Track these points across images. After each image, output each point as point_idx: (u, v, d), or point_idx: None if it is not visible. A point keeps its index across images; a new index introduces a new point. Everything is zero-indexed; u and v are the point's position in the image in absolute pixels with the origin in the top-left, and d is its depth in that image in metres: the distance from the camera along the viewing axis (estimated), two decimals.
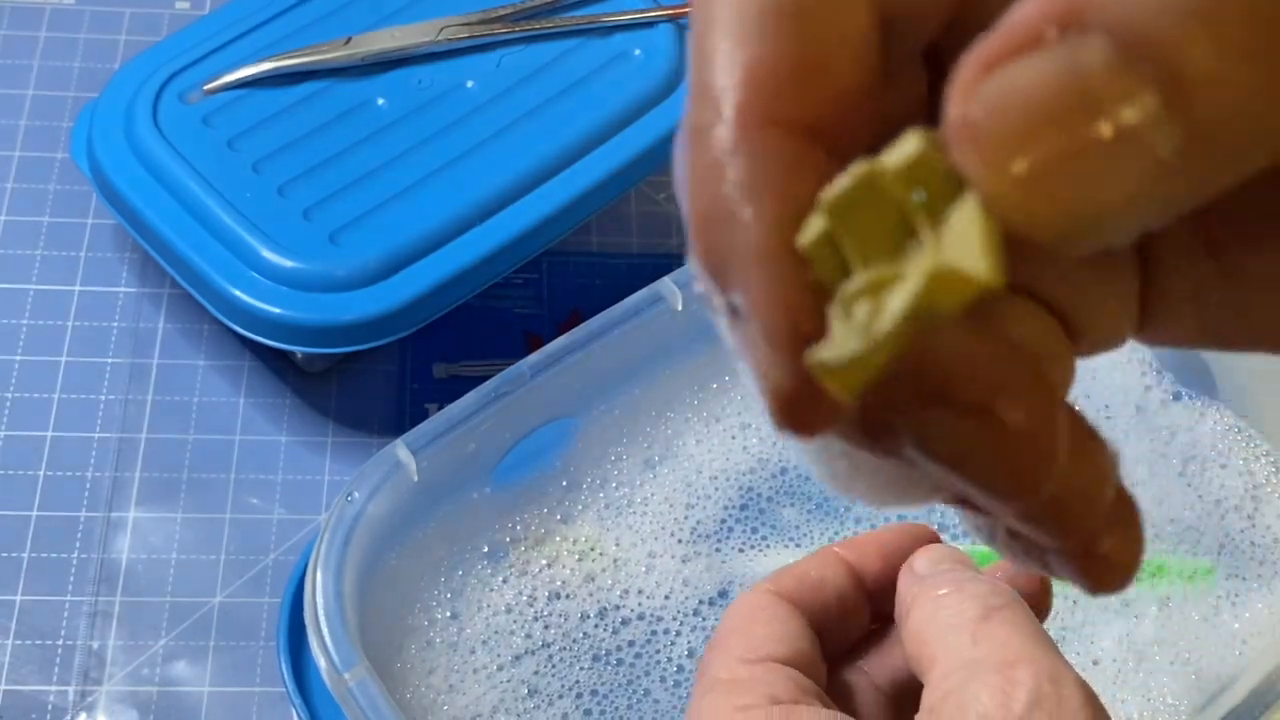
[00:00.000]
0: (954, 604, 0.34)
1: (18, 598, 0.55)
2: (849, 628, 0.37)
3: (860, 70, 0.18)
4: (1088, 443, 0.19)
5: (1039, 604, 0.38)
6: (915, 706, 0.35)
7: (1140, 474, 0.55)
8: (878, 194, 0.17)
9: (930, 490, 0.21)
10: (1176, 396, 0.57)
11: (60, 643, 0.54)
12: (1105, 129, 0.14)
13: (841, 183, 0.17)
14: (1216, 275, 0.20)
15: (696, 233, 0.18)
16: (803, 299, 0.17)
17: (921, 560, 0.37)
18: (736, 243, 0.17)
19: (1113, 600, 0.52)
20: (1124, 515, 0.20)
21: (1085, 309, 0.20)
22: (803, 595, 0.37)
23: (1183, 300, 0.20)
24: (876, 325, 0.16)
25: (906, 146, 0.16)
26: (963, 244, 0.16)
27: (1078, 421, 0.19)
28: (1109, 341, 0.21)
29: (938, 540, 0.39)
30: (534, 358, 0.53)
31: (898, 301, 0.16)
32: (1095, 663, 0.50)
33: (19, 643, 0.54)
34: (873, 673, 0.37)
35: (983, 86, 0.15)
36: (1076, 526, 0.19)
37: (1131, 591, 0.53)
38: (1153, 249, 0.20)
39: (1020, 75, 0.15)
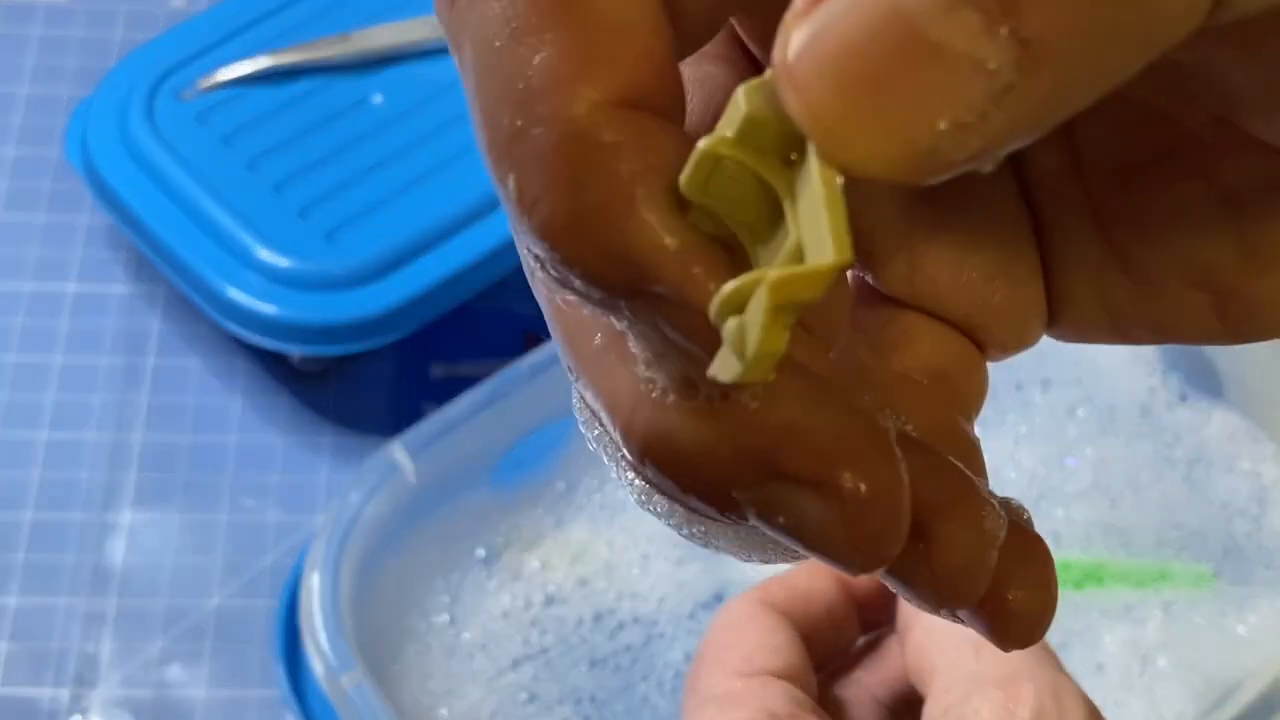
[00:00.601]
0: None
1: (10, 601, 0.55)
2: (839, 639, 0.37)
3: (659, 36, 0.16)
4: (962, 502, 0.18)
5: None
6: (913, 706, 0.35)
7: (1145, 478, 0.55)
8: (726, 165, 0.16)
9: (790, 552, 0.20)
10: (1183, 398, 0.57)
11: (54, 646, 0.54)
12: (925, 47, 0.13)
13: (689, 164, 0.16)
14: (1118, 272, 0.19)
15: (571, 237, 0.16)
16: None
17: None
18: (630, 238, 0.16)
19: (1116, 605, 0.52)
20: (1030, 561, 0.19)
21: (988, 319, 0.19)
22: (793, 606, 0.36)
23: (1088, 298, 0.19)
24: (747, 345, 0.16)
25: (736, 108, 0.15)
26: (810, 220, 0.15)
27: (953, 481, 0.18)
28: (1020, 345, 0.20)
29: None
30: (532, 358, 0.52)
31: (755, 320, 0.15)
32: (1099, 668, 0.50)
33: (13, 646, 0.54)
34: (868, 685, 0.37)
35: (801, 24, 0.14)
36: (954, 593, 0.18)
37: (1135, 597, 0.52)
38: (1052, 246, 0.19)
39: (837, 6, 0.14)
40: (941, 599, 0.18)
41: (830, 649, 0.37)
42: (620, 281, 0.16)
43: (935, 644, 0.34)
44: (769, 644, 0.35)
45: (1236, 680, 0.50)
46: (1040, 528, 0.55)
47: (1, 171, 0.66)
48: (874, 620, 0.37)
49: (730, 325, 0.16)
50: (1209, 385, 0.57)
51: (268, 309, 0.56)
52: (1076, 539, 0.53)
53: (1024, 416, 0.56)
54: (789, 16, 0.14)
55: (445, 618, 0.51)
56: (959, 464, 0.18)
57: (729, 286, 0.16)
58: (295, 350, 0.58)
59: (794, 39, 0.14)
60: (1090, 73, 0.14)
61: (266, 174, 0.59)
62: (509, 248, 0.58)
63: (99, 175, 0.59)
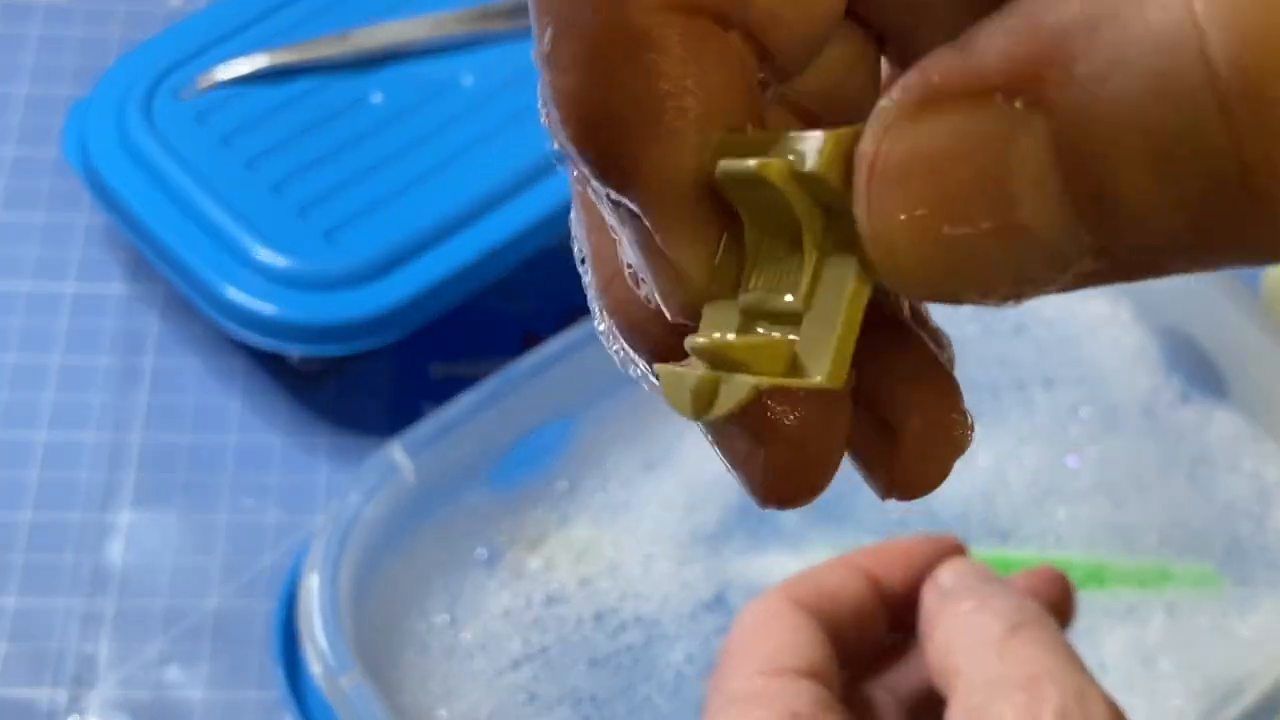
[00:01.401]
0: (979, 619, 0.34)
1: (8, 601, 0.55)
2: (866, 639, 0.37)
3: None
4: (937, 410, 0.17)
5: (1061, 612, 0.38)
6: (935, 708, 0.35)
7: (1148, 478, 0.55)
8: (771, 187, 0.15)
9: None
10: (1186, 398, 0.57)
11: (52, 647, 0.54)
12: (1012, 224, 0.14)
13: (738, 164, 0.15)
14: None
15: (587, 124, 0.15)
16: (710, 244, 0.16)
17: (946, 574, 0.37)
18: (649, 153, 0.15)
19: (1118, 606, 0.52)
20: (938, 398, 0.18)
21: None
22: (819, 604, 0.36)
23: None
24: (711, 405, 0.16)
25: (810, 153, 0.15)
26: (819, 324, 0.15)
27: (933, 383, 0.18)
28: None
29: (963, 553, 0.39)
30: (532, 358, 0.52)
31: (725, 399, 0.16)
32: (1101, 668, 0.50)
33: (11, 646, 0.54)
34: (893, 686, 0.37)
35: (900, 135, 0.14)
36: (906, 494, 0.18)
37: (1137, 597, 0.52)
38: None
39: (947, 129, 0.14)
40: (890, 495, 0.18)
41: (856, 648, 0.37)
42: (613, 186, 0.16)
43: (958, 645, 0.34)
44: (794, 642, 0.35)
45: (1239, 681, 0.50)
46: (1042, 528, 0.55)
47: None
48: (902, 621, 0.37)
49: (695, 378, 0.16)
50: (1212, 385, 0.56)
51: (267, 309, 0.55)
52: (1079, 539, 0.53)
53: (1026, 416, 0.56)
54: (887, 115, 0.14)
55: (445, 618, 0.51)
56: (945, 369, 0.18)
57: (720, 343, 0.16)
58: (294, 350, 0.57)
59: (887, 147, 0.14)
60: (1150, 274, 0.14)
61: (265, 173, 0.58)
62: (509, 248, 0.58)
63: (97, 175, 0.59)
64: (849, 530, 0.53)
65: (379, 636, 0.49)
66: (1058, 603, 0.38)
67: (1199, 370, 0.57)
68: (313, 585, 0.47)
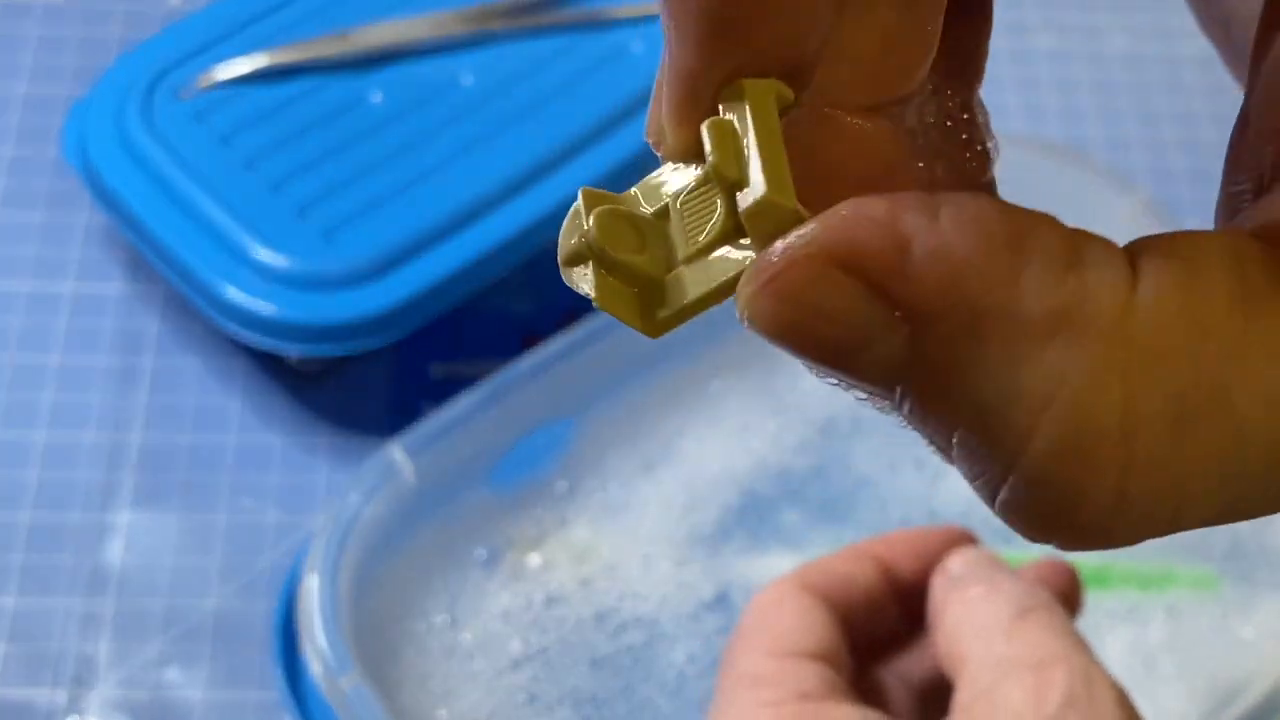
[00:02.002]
0: (988, 604, 0.34)
1: (8, 602, 0.55)
2: (878, 625, 0.37)
3: None
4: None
5: (1069, 601, 0.38)
6: (943, 708, 0.35)
7: None
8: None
9: None
10: None
11: (51, 647, 0.54)
12: (822, 320, 0.17)
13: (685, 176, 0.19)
14: None
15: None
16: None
17: (956, 561, 0.37)
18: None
19: (1119, 607, 0.52)
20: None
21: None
22: (831, 590, 0.36)
23: None
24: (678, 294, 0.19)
25: (746, 198, 0.18)
26: (695, 277, 0.19)
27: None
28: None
29: (973, 542, 0.39)
30: (531, 358, 0.52)
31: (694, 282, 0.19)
32: None
33: (10, 647, 0.54)
34: (902, 673, 0.37)
35: (771, 287, 0.17)
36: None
37: (1138, 599, 0.52)
38: None
39: (830, 291, 0.17)
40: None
41: (867, 635, 0.37)
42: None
43: (967, 630, 0.34)
44: (804, 626, 0.35)
45: (1240, 682, 0.50)
46: None
47: None
48: (912, 609, 0.37)
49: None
50: None
51: (266, 309, 0.55)
52: None
53: None
54: (756, 271, 0.17)
55: (444, 618, 0.50)
56: None
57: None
58: (294, 350, 0.57)
59: (786, 263, 0.17)
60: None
61: (265, 173, 0.58)
62: (509, 247, 0.58)
63: (96, 174, 0.59)
64: (849, 530, 0.53)
65: (379, 637, 0.49)
66: (1066, 593, 0.38)
67: None
68: (312, 585, 0.47)
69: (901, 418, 0.17)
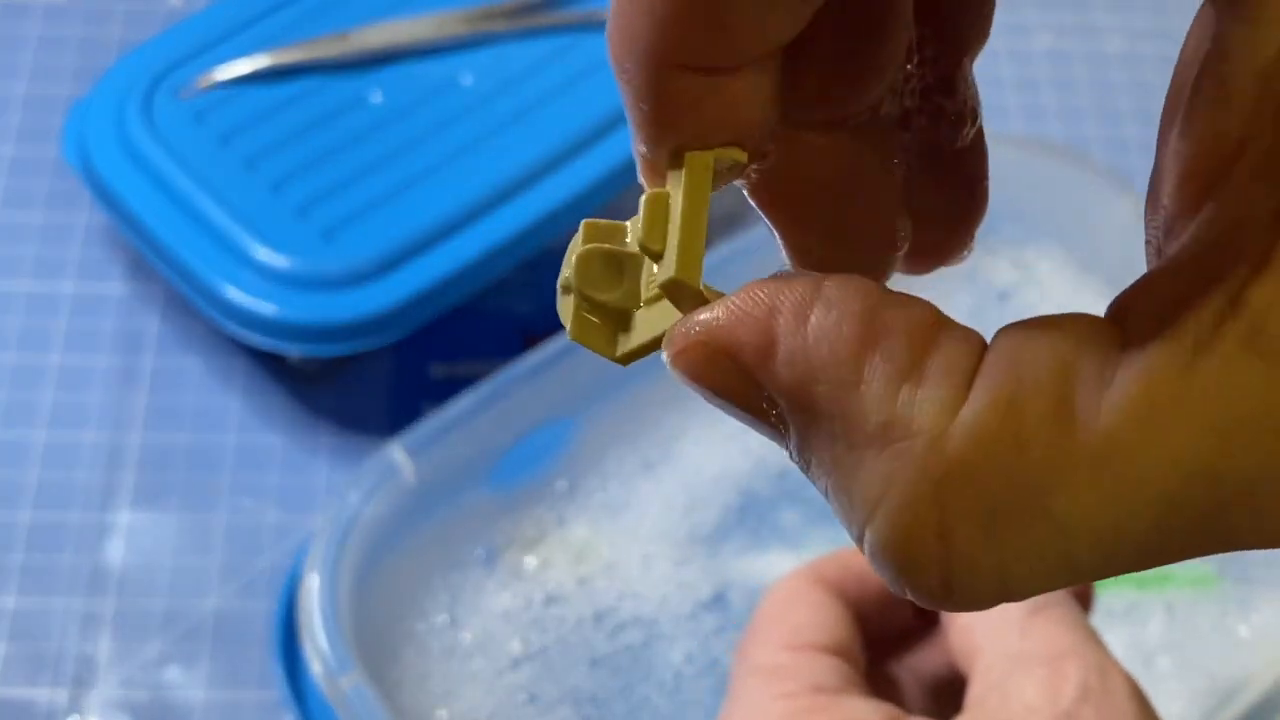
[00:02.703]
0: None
1: (8, 602, 0.55)
2: (891, 620, 0.37)
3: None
4: None
5: (1082, 596, 0.38)
6: (956, 702, 0.35)
7: None
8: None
9: None
10: None
11: (51, 647, 0.54)
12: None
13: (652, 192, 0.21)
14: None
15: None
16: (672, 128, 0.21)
17: None
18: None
19: (1118, 606, 0.52)
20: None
21: None
22: (846, 584, 0.37)
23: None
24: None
25: (661, 272, 0.21)
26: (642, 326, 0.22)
27: None
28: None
29: None
30: (531, 358, 0.52)
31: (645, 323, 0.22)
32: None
33: (10, 647, 0.54)
34: (915, 668, 0.37)
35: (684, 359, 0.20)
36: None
37: (1137, 597, 0.52)
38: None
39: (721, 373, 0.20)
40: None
41: (881, 629, 0.37)
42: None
43: (980, 624, 0.34)
44: (818, 620, 0.35)
45: (1239, 681, 0.50)
46: None
47: None
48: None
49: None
50: None
51: (266, 309, 0.55)
52: None
53: None
54: (677, 338, 0.20)
55: (444, 618, 0.50)
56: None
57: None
58: (294, 350, 0.57)
59: (676, 353, 0.20)
60: None
61: (265, 173, 0.58)
62: (509, 248, 0.58)
63: (97, 174, 0.59)
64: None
65: (379, 636, 0.49)
66: (1078, 589, 0.38)
67: None
68: (313, 585, 0.47)
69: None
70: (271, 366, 0.61)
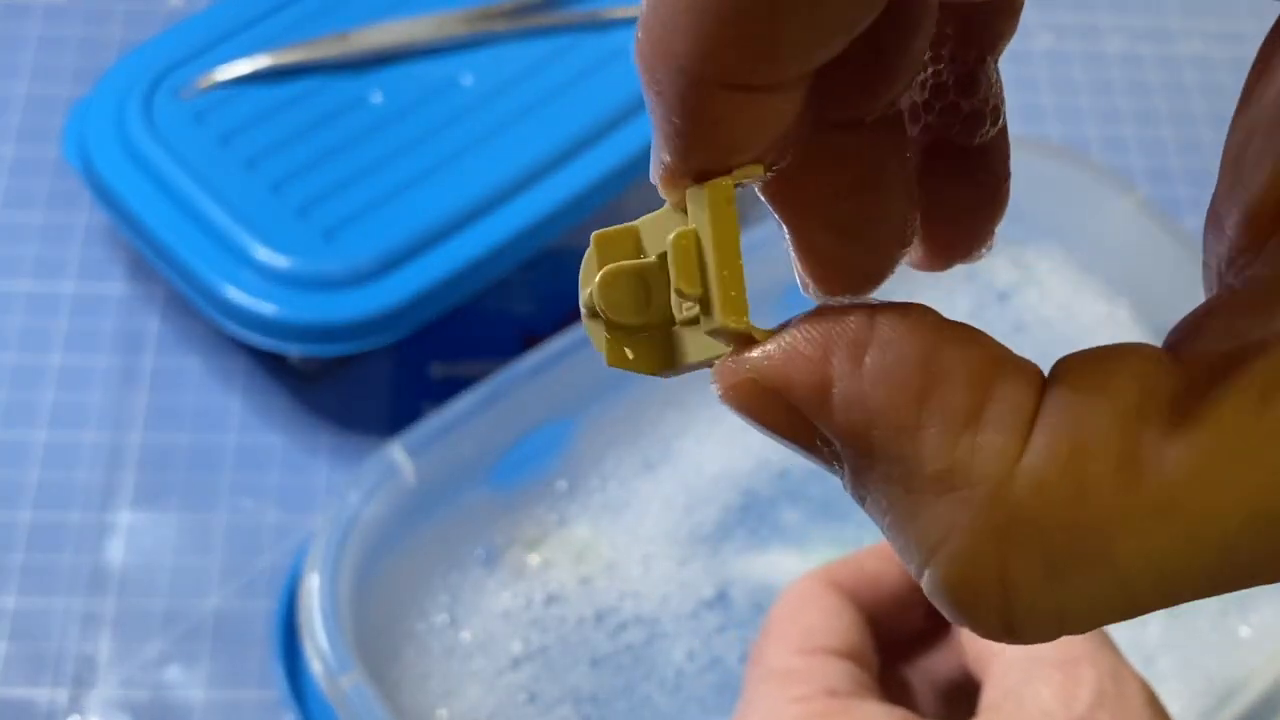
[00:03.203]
0: None
1: (8, 601, 0.55)
2: (904, 623, 0.37)
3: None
4: None
5: None
6: (969, 706, 0.35)
7: None
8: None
9: None
10: None
11: (52, 647, 0.54)
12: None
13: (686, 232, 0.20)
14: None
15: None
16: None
17: None
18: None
19: None
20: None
21: None
22: (860, 588, 0.37)
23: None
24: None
25: (714, 313, 0.20)
26: (685, 347, 0.21)
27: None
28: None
29: None
30: (532, 358, 0.52)
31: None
32: None
33: (10, 646, 0.54)
34: (928, 670, 0.37)
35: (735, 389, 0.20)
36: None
37: None
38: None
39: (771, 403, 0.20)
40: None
41: (894, 632, 0.37)
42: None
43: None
44: (831, 624, 0.35)
45: (1239, 681, 0.50)
46: None
47: None
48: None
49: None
50: None
51: (266, 309, 0.55)
52: None
53: None
54: (728, 372, 0.20)
55: (444, 618, 0.51)
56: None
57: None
58: (294, 350, 0.57)
59: (725, 385, 0.20)
60: None
61: (265, 173, 0.58)
62: (509, 248, 0.58)
63: (97, 174, 0.59)
64: (850, 528, 0.53)
65: (379, 636, 0.49)
66: None
67: None
68: (313, 585, 0.47)
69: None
70: (272, 366, 0.61)
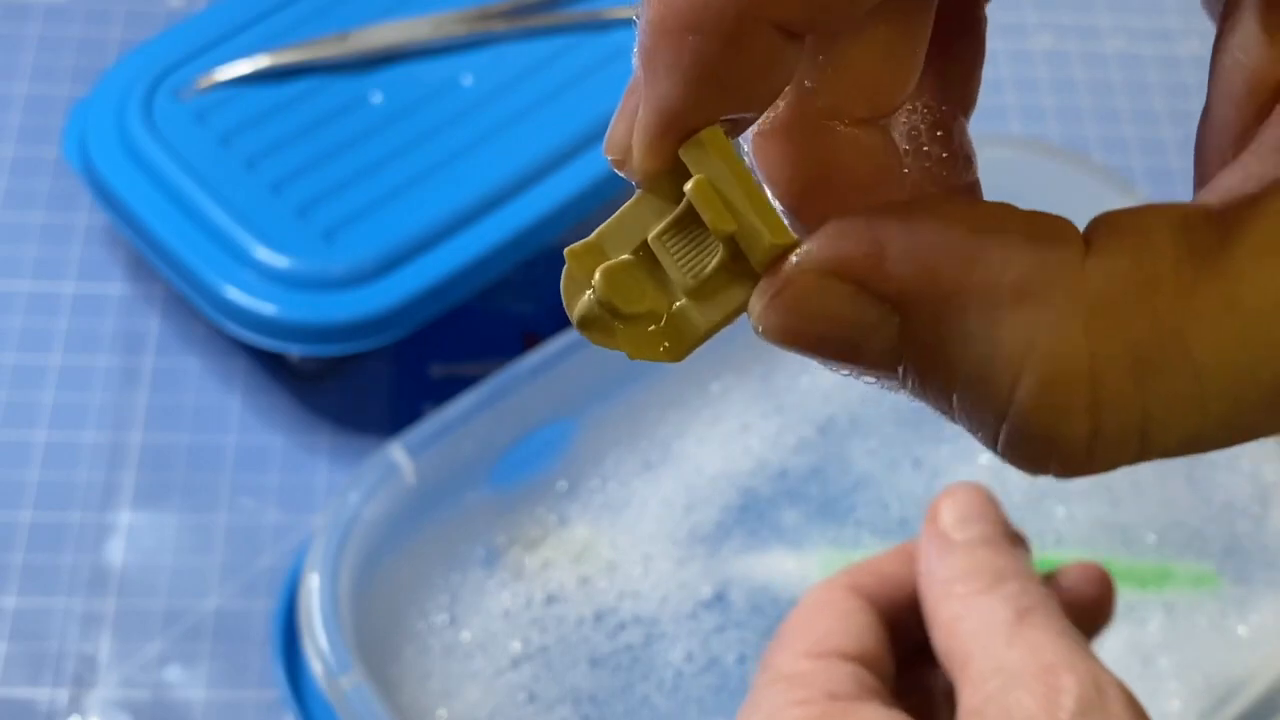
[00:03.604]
0: (985, 604, 0.34)
1: (8, 602, 0.55)
2: (922, 627, 0.37)
3: None
4: None
5: (1101, 604, 0.38)
6: None
7: (1147, 477, 0.55)
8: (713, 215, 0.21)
9: None
10: None
11: (52, 647, 0.54)
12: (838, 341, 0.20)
13: (707, 183, 0.21)
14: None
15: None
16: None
17: (948, 513, 0.37)
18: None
19: (1118, 605, 0.52)
20: None
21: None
22: (879, 592, 0.36)
23: None
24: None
25: (755, 241, 0.21)
26: (704, 305, 0.22)
27: None
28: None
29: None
30: (532, 358, 0.52)
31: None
32: None
33: (11, 646, 0.54)
34: (943, 676, 0.37)
35: (787, 293, 0.20)
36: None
37: (1136, 597, 0.52)
38: None
39: (826, 299, 0.20)
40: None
41: (912, 637, 0.37)
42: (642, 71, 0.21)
43: (965, 629, 0.34)
44: (844, 627, 0.35)
45: (1238, 680, 0.50)
46: (1042, 527, 0.55)
47: None
48: None
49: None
50: None
51: (266, 309, 0.55)
52: (1078, 538, 0.53)
53: None
54: (775, 280, 0.20)
55: (444, 618, 0.51)
56: None
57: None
58: (294, 350, 0.57)
59: (771, 299, 0.20)
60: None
61: (265, 173, 0.59)
62: (509, 248, 0.58)
63: (97, 175, 0.59)
64: (849, 529, 0.53)
65: (379, 636, 0.49)
66: (1098, 597, 0.38)
67: None
68: (313, 585, 0.47)
69: (906, 392, 0.20)
70: (272, 366, 0.61)
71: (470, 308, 0.60)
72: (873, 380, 0.21)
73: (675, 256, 0.22)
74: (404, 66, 0.62)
